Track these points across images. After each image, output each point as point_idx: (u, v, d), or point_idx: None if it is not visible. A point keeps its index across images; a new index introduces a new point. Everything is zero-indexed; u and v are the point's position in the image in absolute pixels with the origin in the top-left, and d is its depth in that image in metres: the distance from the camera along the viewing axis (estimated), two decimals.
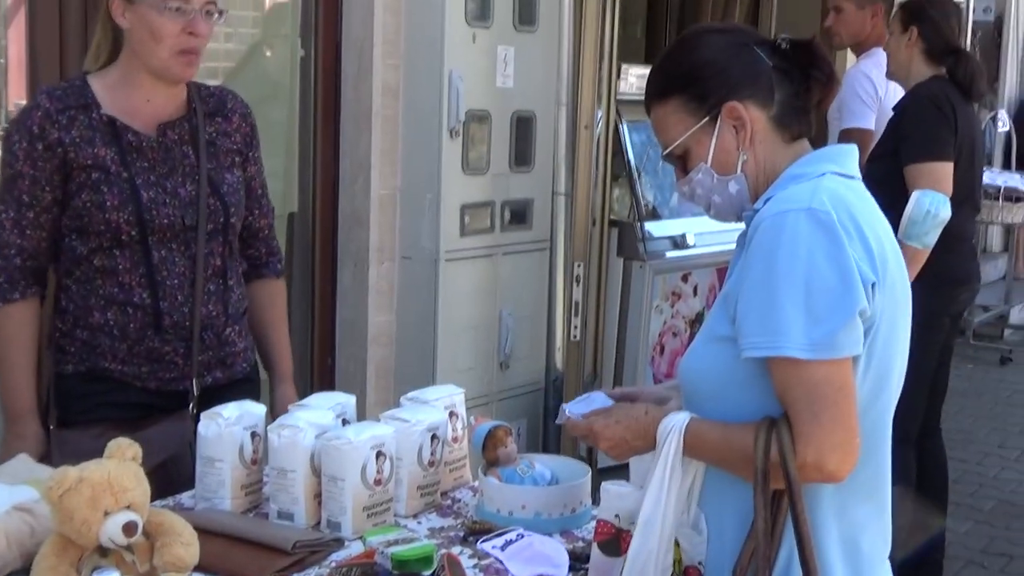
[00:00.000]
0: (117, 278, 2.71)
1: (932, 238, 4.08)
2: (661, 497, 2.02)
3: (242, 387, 2.83)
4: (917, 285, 3.87)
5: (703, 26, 2.21)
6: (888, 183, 4.07)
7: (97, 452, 2.52)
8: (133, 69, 2.73)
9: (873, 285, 1.96)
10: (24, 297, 2.72)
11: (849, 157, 2.12)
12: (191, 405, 2.75)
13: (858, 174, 2.11)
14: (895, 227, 4.01)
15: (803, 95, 2.13)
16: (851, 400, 1.94)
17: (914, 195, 4.09)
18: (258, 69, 4.96)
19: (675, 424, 2.03)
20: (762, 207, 2.04)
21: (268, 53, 5.03)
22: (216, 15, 2.72)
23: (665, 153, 2.17)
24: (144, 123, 2.74)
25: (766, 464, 1.93)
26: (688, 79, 2.12)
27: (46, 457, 2.62)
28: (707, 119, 2.11)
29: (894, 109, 4.43)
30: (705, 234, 5.42)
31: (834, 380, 1.93)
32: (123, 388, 2.75)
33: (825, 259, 1.93)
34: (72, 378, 2.77)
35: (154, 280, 2.72)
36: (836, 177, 2.05)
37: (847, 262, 1.93)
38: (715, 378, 2.05)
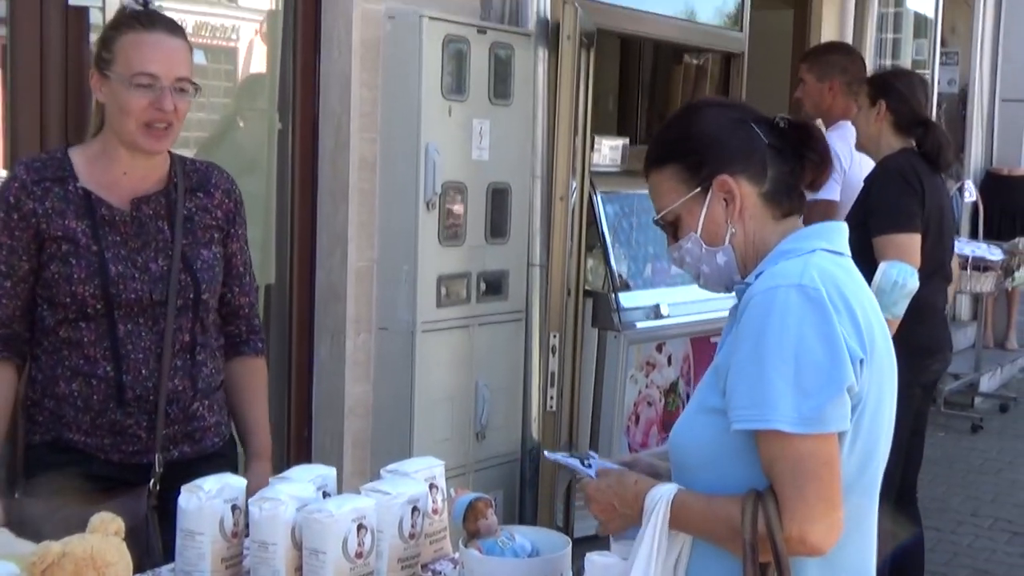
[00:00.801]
0: (82, 350, 2.72)
1: (901, 308, 4.13)
2: (649, 569, 2.03)
3: (214, 461, 2.82)
4: None
5: (705, 99, 2.29)
6: (859, 254, 4.12)
7: (55, 521, 2.52)
8: (111, 142, 2.75)
9: (861, 361, 1.99)
10: None
11: (839, 234, 2.16)
12: (152, 480, 2.75)
13: (847, 251, 2.15)
14: None
15: (796, 174, 2.18)
16: (836, 475, 1.97)
17: (881, 266, 4.14)
18: (235, 141, 4.98)
19: (662, 495, 2.05)
20: (753, 281, 2.07)
21: (245, 125, 5.06)
22: (191, 91, 2.74)
23: (657, 219, 2.22)
24: (120, 197, 2.76)
25: (754, 536, 1.95)
26: (685, 149, 2.17)
27: (7, 525, 2.61)
28: (699, 190, 2.15)
29: (864, 182, 4.49)
30: (679, 304, 5.46)
31: (820, 455, 1.95)
32: (87, 460, 2.75)
33: (814, 335, 1.96)
34: (40, 448, 2.78)
35: (118, 353, 2.73)
36: (826, 254, 2.09)
37: (836, 338, 1.96)
38: (704, 449, 2.07)
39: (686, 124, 2.22)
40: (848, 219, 4.53)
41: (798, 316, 1.97)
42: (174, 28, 2.76)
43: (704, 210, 2.16)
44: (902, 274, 4.12)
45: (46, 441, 2.77)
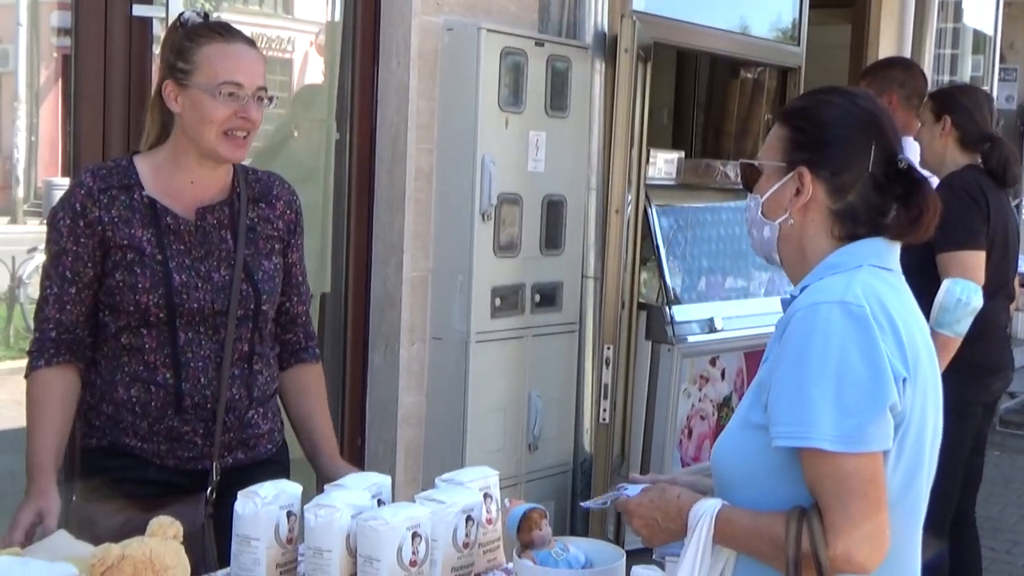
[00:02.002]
0: (143, 356, 2.75)
1: (964, 326, 4.09)
2: None
3: (267, 468, 2.84)
4: (950, 374, 3.86)
5: (861, 94, 2.22)
6: (921, 270, 4.10)
7: (111, 526, 2.55)
8: (181, 151, 2.78)
9: (904, 380, 1.97)
10: (50, 365, 2.74)
11: (890, 250, 2.14)
12: (209, 488, 2.77)
13: (898, 267, 2.13)
14: (927, 313, 4.04)
15: (884, 215, 2.13)
16: (881, 493, 1.95)
17: (945, 283, 4.10)
18: (293, 151, 5.03)
19: (706, 510, 2.04)
20: (799, 295, 2.07)
21: (302, 135, 5.10)
22: (267, 100, 2.77)
23: (749, 161, 2.25)
24: (185, 206, 2.78)
25: (798, 554, 1.94)
26: (803, 124, 2.17)
27: (64, 525, 2.64)
28: (784, 165, 2.16)
29: None
30: (734, 318, 5.44)
31: (864, 473, 1.94)
32: (143, 465, 2.78)
33: (857, 353, 1.94)
34: (96, 452, 2.81)
35: (178, 361, 2.75)
36: (875, 269, 2.07)
37: (879, 356, 1.95)
38: (746, 465, 2.07)
39: (825, 103, 2.19)
40: None
41: (841, 333, 1.95)
42: (250, 40, 2.80)
43: (777, 185, 2.16)
44: (966, 292, 4.09)
45: (103, 446, 2.80)
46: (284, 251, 2.93)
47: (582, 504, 2.59)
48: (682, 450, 5.44)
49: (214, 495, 2.77)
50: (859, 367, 1.94)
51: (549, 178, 4.89)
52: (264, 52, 2.90)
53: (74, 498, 2.81)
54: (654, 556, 2.34)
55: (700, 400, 5.48)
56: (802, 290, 2.09)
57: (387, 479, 2.64)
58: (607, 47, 5.04)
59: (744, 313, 5.47)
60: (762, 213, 2.19)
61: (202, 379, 2.77)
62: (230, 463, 2.82)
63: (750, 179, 2.23)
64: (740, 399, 5.50)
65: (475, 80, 4.53)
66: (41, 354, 2.75)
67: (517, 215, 4.77)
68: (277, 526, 2.44)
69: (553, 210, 4.93)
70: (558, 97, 4.88)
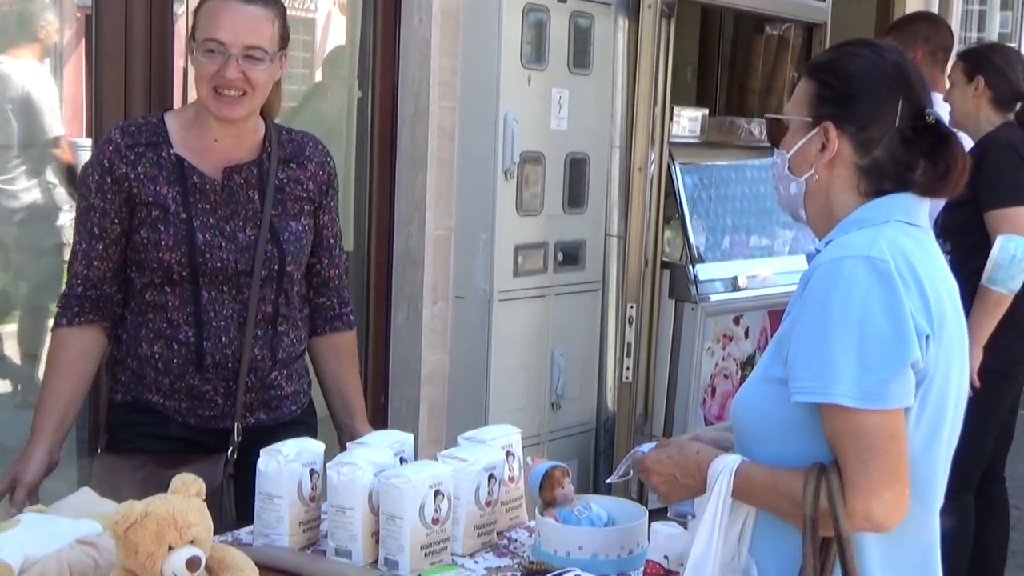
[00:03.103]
0: (166, 314, 2.76)
1: (1017, 283, 4.05)
2: (712, 540, 2.02)
3: (291, 429, 2.83)
4: (999, 333, 3.81)
5: (888, 47, 2.18)
6: (968, 230, 4.10)
7: (133, 481, 2.60)
8: (201, 109, 2.77)
9: (927, 337, 1.96)
10: (72, 324, 2.76)
11: (918, 206, 2.11)
12: (230, 448, 2.78)
13: (926, 223, 2.11)
14: (979, 274, 3.99)
15: (912, 170, 2.10)
16: (902, 450, 1.94)
17: (999, 240, 4.07)
18: (315, 109, 5.01)
19: (725, 466, 2.04)
20: (823, 250, 2.05)
21: (325, 93, 5.08)
22: (265, 60, 2.70)
23: (775, 115, 2.25)
24: (212, 164, 2.77)
25: (815, 511, 1.93)
26: (830, 79, 2.14)
27: (88, 478, 2.70)
28: (810, 120, 2.13)
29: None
30: (757, 277, 5.42)
31: (885, 430, 1.92)
32: (165, 421, 2.80)
33: (880, 308, 1.93)
34: (120, 407, 2.84)
35: (200, 320, 2.76)
36: (902, 225, 2.05)
37: (902, 312, 1.93)
38: (766, 419, 2.06)
39: (845, 56, 2.17)
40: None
41: (864, 288, 1.94)
42: None
43: (803, 140, 2.14)
44: (1020, 248, 4.05)
45: (127, 401, 2.82)
46: (315, 212, 2.91)
47: (606, 482, 2.58)
48: (705, 409, 5.43)
49: (235, 455, 2.78)
50: (882, 323, 1.92)
51: (572, 136, 4.87)
52: (288, 12, 2.86)
53: (99, 450, 2.86)
54: (669, 515, 2.34)
55: (724, 359, 5.47)
56: (827, 244, 2.07)
57: (409, 437, 2.65)
58: (630, 3, 5.00)
59: (768, 272, 5.44)
60: (788, 169, 2.17)
61: (223, 338, 2.77)
62: (251, 423, 2.83)
63: (776, 135, 2.20)
64: None
65: (497, 37, 4.51)
66: (65, 312, 2.77)
67: (540, 173, 4.75)
68: (300, 484, 2.46)
69: (576, 168, 4.91)
70: (581, 54, 4.85)
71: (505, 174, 4.57)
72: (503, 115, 4.54)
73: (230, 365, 2.78)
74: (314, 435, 2.91)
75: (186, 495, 2.04)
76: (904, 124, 2.09)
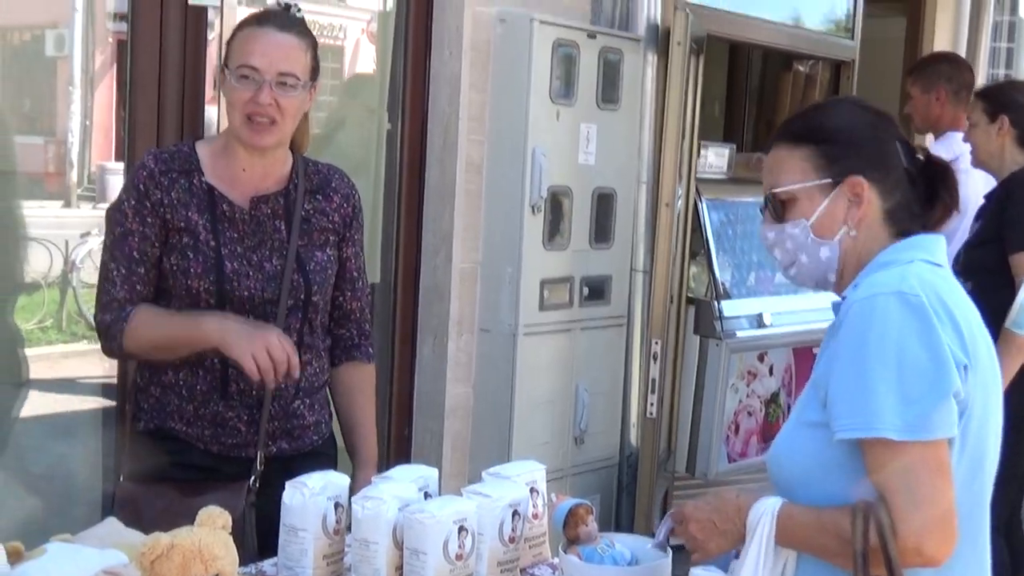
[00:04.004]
0: None
1: None
2: None
3: (312, 459, 2.84)
4: (1018, 385, 3.75)
5: (858, 99, 2.23)
6: (991, 269, 4.06)
7: (155, 509, 2.59)
8: (231, 138, 2.80)
9: (965, 367, 1.96)
10: (127, 318, 2.75)
11: (938, 245, 2.13)
12: (253, 477, 2.78)
13: (946, 263, 2.12)
14: (1001, 313, 3.96)
15: (922, 206, 2.14)
16: (948, 481, 1.93)
17: None
18: (344, 140, 5.04)
19: (767, 508, 2.03)
20: (851, 294, 2.05)
21: (353, 124, 5.10)
22: (296, 87, 2.72)
23: (769, 193, 2.18)
24: (241, 193, 2.79)
25: (865, 547, 1.90)
26: (829, 137, 2.14)
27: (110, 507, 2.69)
28: (829, 181, 2.12)
29: (991, 197, 4.39)
30: (783, 314, 5.41)
31: (930, 461, 1.92)
32: (187, 449, 2.80)
33: (917, 341, 1.93)
34: (143, 435, 2.83)
35: None
36: (924, 264, 2.06)
37: (939, 343, 1.93)
38: (805, 463, 2.05)
39: (836, 114, 2.18)
40: (976, 235, 4.43)
41: (899, 323, 1.94)
42: (286, 24, 2.75)
43: (826, 203, 2.13)
44: None
45: (150, 429, 2.82)
46: (339, 244, 2.92)
47: (654, 545, 2.50)
48: (729, 446, 5.42)
49: (257, 483, 2.78)
50: (919, 355, 1.92)
51: (599, 171, 4.88)
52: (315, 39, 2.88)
53: (121, 478, 2.85)
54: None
55: (748, 396, 5.46)
56: (854, 288, 2.07)
57: (434, 472, 2.65)
58: (659, 39, 5.02)
59: (793, 309, 5.43)
60: (814, 236, 2.15)
61: None
62: (273, 452, 2.83)
63: (780, 210, 2.17)
64: (788, 395, 5.51)
65: (527, 72, 4.52)
66: (116, 322, 2.75)
67: (567, 208, 4.76)
68: (324, 517, 2.45)
69: (603, 203, 4.92)
70: (610, 89, 4.87)
71: (532, 208, 4.59)
72: (531, 149, 4.55)
73: (254, 393, 2.78)
74: (334, 466, 2.93)
75: (212, 528, 2.05)
76: (906, 163, 2.13)
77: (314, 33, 2.86)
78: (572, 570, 2.40)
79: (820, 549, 2.01)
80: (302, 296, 2.82)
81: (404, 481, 2.53)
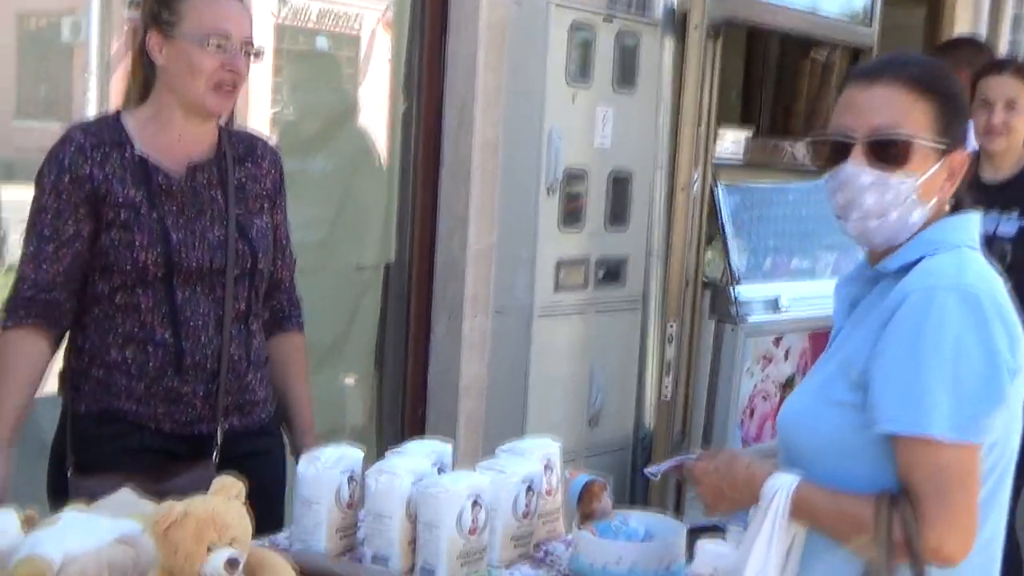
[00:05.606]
0: (139, 316, 2.69)
1: None
2: (768, 561, 2.00)
3: (262, 437, 2.84)
4: None
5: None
6: None
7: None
8: (165, 106, 2.73)
9: (1013, 372, 1.94)
10: (18, 326, 2.67)
11: (977, 227, 2.09)
12: (214, 453, 2.73)
13: (979, 246, 2.09)
14: None
15: (967, 184, 2.10)
16: (976, 486, 1.93)
17: None
18: (359, 121, 5.03)
19: (782, 485, 2.02)
20: (892, 268, 2.02)
21: (370, 105, 5.09)
22: (254, 56, 2.73)
23: (885, 133, 2.01)
24: (174, 162, 2.73)
25: (890, 540, 1.90)
26: (951, 100, 2.06)
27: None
28: (944, 146, 2.03)
29: None
30: (798, 299, 5.40)
31: (964, 464, 1.91)
32: (137, 431, 2.72)
33: (975, 342, 1.90)
34: (85, 418, 2.72)
35: (177, 320, 2.70)
36: (971, 251, 2.02)
37: (995, 347, 1.90)
38: (823, 439, 2.04)
39: (948, 73, 2.08)
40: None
41: (957, 321, 1.90)
42: None
43: (936, 167, 2.02)
44: None
45: (92, 412, 2.72)
46: (271, 211, 2.89)
47: (643, 471, 2.56)
48: (744, 430, 5.41)
49: (218, 459, 2.72)
50: (977, 356, 1.90)
51: (615, 154, 4.87)
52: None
53: (68, 473, 2.70)
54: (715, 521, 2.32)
55: (763, 380, 5.44)
56: (896, 263, 2.03)
57: (447, 446, 2.65)
58: (677, 23, 5.00)
59: (809, 294, 5.42)
60: (916, 196, 2.03)
61: (203, 337, 2.72)
62: (226, 428, 2.77)
63: (884, 155, 2.01)
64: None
65: (543, 53, 4.52)
66: (11, 315, 2.69)
67: (583, 190, 4.75)
68: (338, 490, 2.46)
69: (619, 186, 4.91)
70: (626, 73, 4.86)
71: (548, 190, 4.58)
72: (547, 131, 4.55)
73: (209, 365, 2.73)
74: (281, 445, 2.91)
75: (227, 497, 2.05)
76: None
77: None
78: (586, 545, 2.40)
79: (835, 532, 2.00)
80: (248, 264, 2.78)
81: (418, 455, 2.54)
